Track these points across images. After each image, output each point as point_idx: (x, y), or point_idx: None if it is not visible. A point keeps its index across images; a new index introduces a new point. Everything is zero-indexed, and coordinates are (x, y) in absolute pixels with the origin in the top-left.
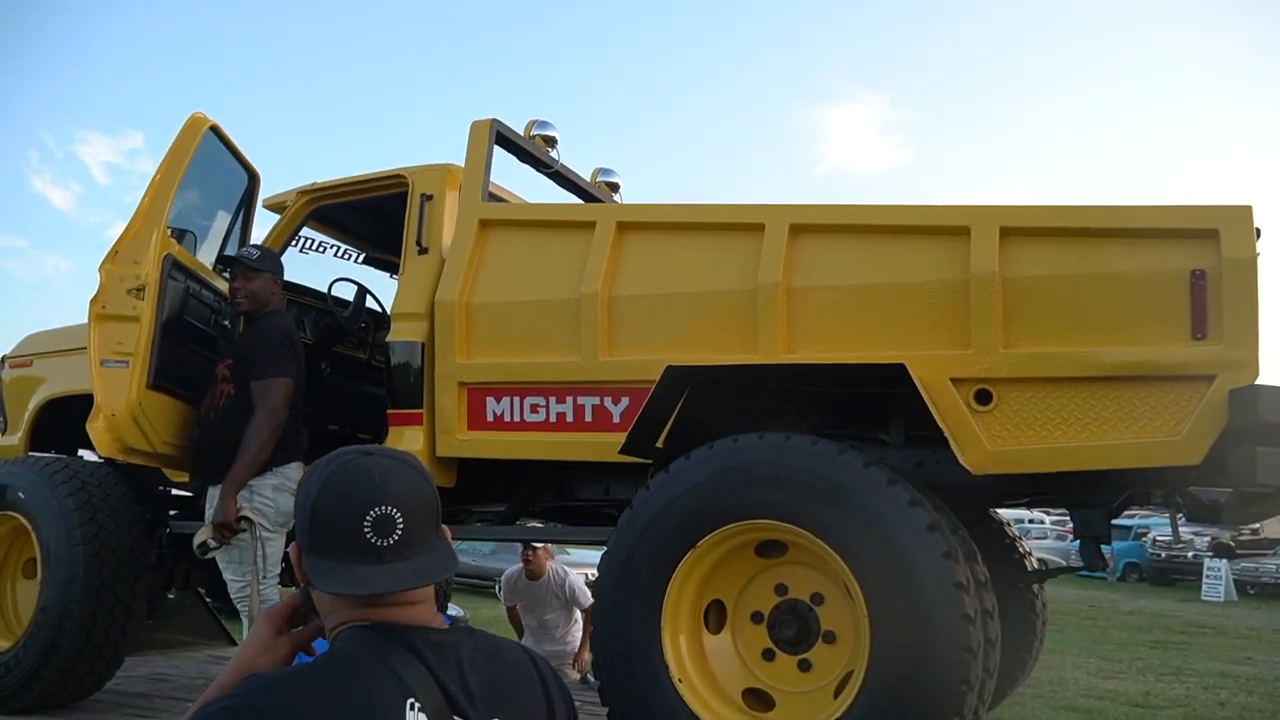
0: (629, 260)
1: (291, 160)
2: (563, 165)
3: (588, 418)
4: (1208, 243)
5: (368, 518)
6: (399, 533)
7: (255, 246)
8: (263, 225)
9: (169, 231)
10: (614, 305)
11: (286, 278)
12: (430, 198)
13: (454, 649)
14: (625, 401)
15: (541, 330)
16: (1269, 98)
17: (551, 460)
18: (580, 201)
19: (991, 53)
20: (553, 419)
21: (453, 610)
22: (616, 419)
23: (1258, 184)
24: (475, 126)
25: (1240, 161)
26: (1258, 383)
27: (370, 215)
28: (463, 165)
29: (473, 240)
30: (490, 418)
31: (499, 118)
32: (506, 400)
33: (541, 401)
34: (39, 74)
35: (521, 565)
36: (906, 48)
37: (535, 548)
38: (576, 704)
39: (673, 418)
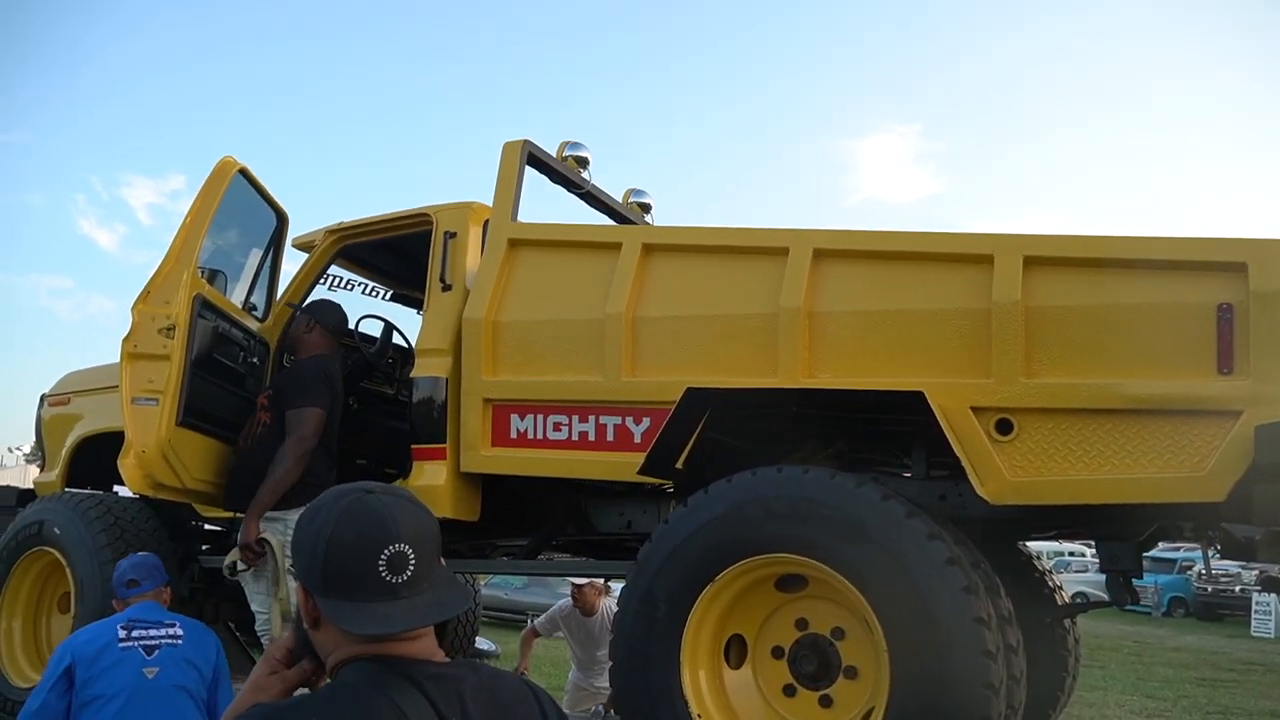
0: (654, 281)
1: (325, 194)
2: (594, 186)
3: (609, 437)
4: (1235, 275)
5: (382, 556)
6: (411, 569)
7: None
8: (292, 264)
9: (199, 272)
10: (638, 326)
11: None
12: (454, 235)
13: (455, 681)
14: (647, 422)
15: (566, 349)
16: None
17: (572, 484)
18: (612, 222)
19: (1023, 80)
20: (575, 437)
21: (483, 644)
22: (638, 439)
23: None
24: (507, 147)
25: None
26: None
27: (396, 253)
28: (485, 202)
29: (501, 259)
30: (514, 435)
31: (531, 139)
32: (530, 418)
33: (564, 420)
34: (90, 119)
35: (570, 590)
36: (937, 78)
37: (581, 584)
38: None
39: (693, 439)
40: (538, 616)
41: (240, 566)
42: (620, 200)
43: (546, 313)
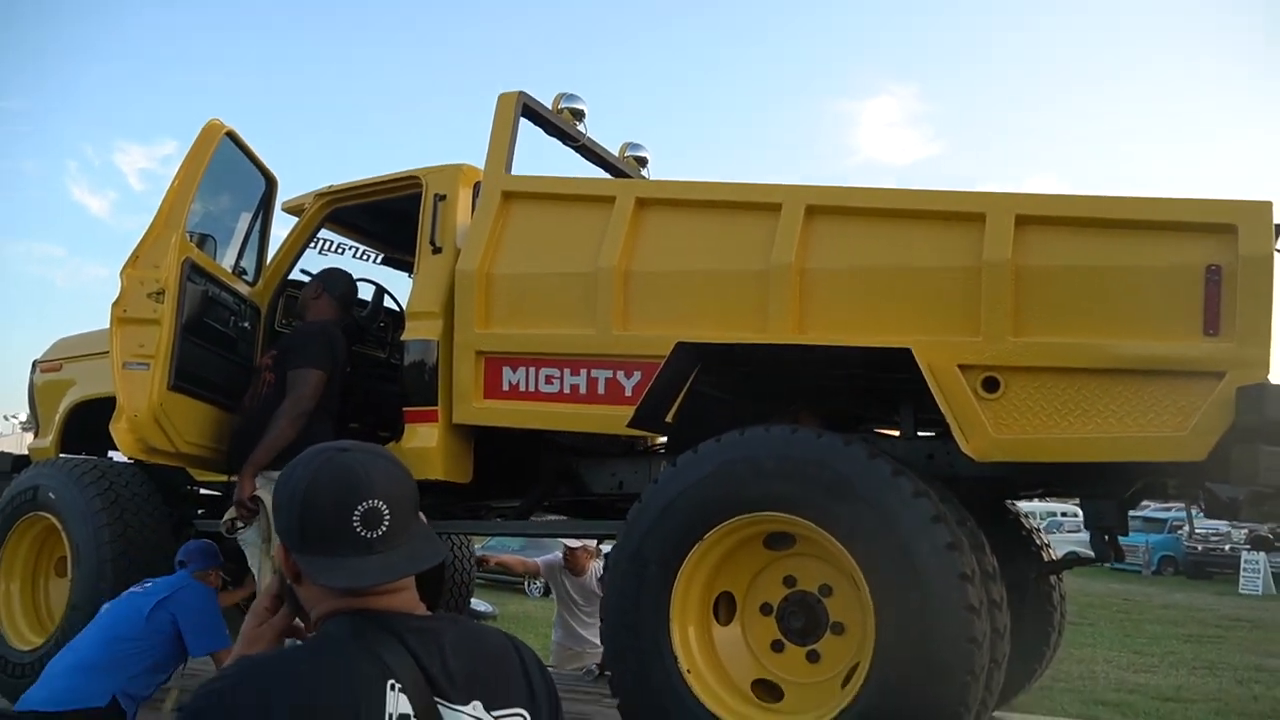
0: (647, 236)
1: (315, 159)
2: (590, 139)
3: (601, 390)
4: (1225, 238)
5: (356, 511)
6: (386, 524)
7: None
8: (282, 227)
9: (188, 236)
10: (630, 280)
11: (302, 278)
12: (444, 197)
13: (436, 634)
14: (637, 376)
15: (559, 302)
16: None
17: (565, 445)
18: (607, 176)
19: (1020, 43)
20: (566, 390)
21: (479, 605)
22: (629, 393)
23: None
24: (502, 98)
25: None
26: (1267, 381)
27: (387, 216)
28: (474, 165)
29: (495, 212)
30: (506, 387)
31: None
32: (522, 370)
33: (556, 373)
34: (82, 86)
35: (563, 551)
36: (933, 40)
37: (574, 547)
38: (604, 698)
39: (683, 393)
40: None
41: (239, 525)
42: (616, 154)
43: (539, 266)
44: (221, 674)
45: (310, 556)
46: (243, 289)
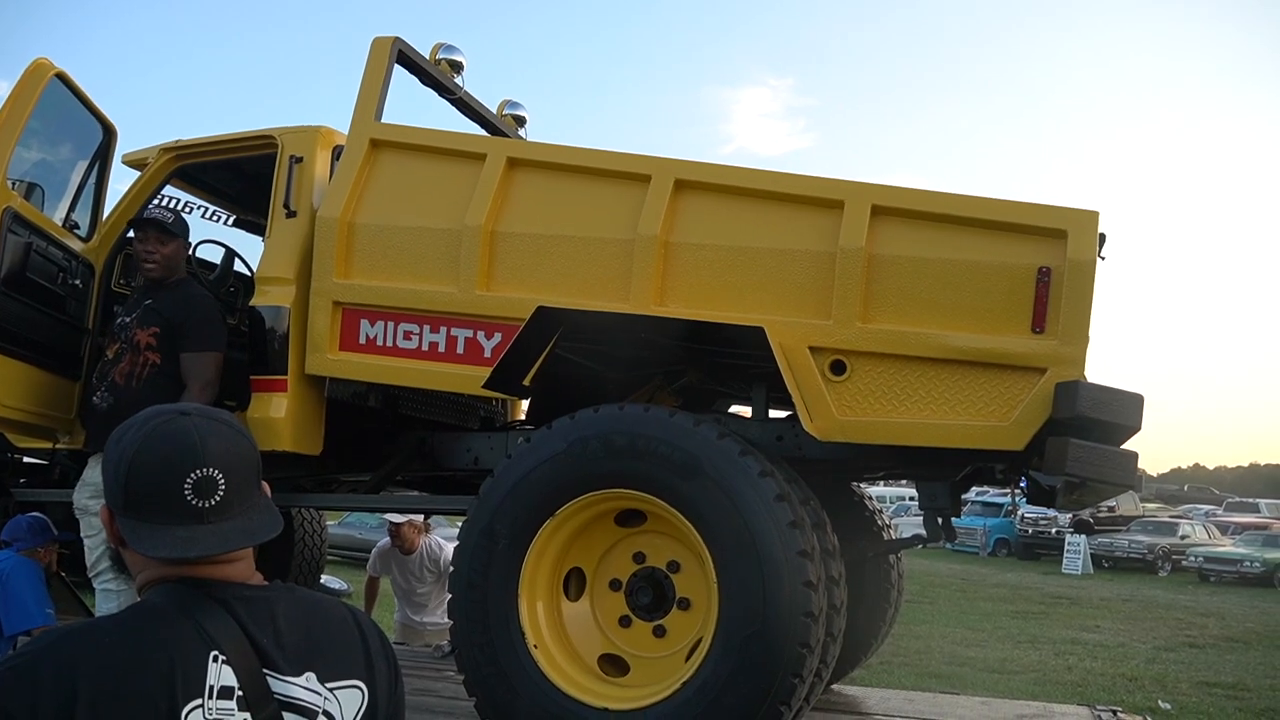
0: (516, 197)
1: (164, 112)
2: (467, 93)
3: (459, 349)
4: (1056, 242)
5: (189, 479)
6: (220, 494)
7: (168, 209)
8: (121, 183)
9: (10, 184)
10: (496, 240)
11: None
12: (300, 160)
13: (268, 603)
14: (498, 337)
15: (422, 257)
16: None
17: (419, 415)
18: (483, 132)
19: (896, 42)
20: (425, 347)
21: (332, 582)
22: (487, 354)
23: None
24: (377, 42)
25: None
26: (1082, 379)
27: (240, 175)
28: (334, 128)
29: (362, 159)
30: (363, 340)
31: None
32: (380, 324)
33: (415, 329)
34: None
35: (388, 528)
36: (812, 34)
37: (399, 523)
38: (449, 674)
39: (541, 358)
40: None
41: (95, 507)
42: (495, 111)
43: (404, 219)
44: (25, 647)
45: (135, 522)
46: (75, 244)
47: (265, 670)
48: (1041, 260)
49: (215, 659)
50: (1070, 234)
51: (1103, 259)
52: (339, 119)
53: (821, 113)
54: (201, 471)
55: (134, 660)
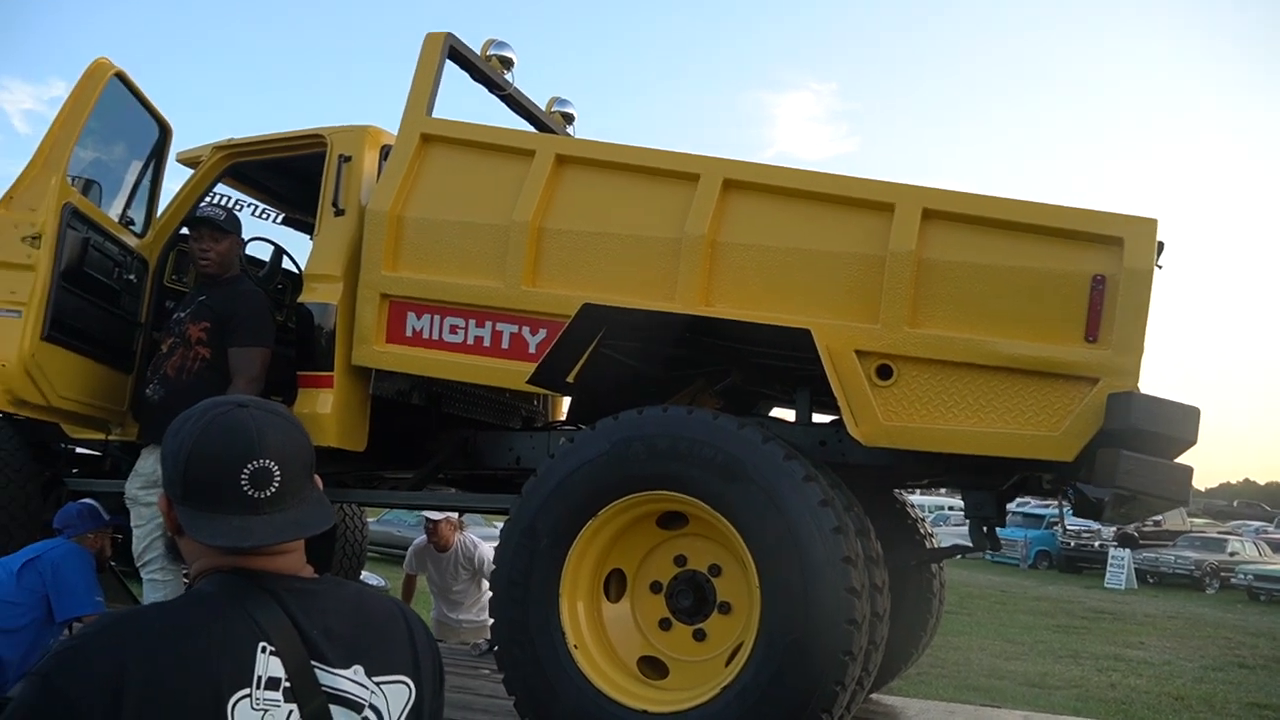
0: (564, 194)
1: (217, 111)
2: (516, 89)
3: (504, 344)
4: (1112, 250)
5: (245, 470)
6: (276, 485)
7: (220, 207)
8: (176, 180)
9: (70, 180)
10: (543, 236)
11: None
12: (349, 159)
13: (319, 597)
14: (543, 333)
15: (469, 252)
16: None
17: (462, 418)
18: (531, 129)
19: (939, 47)
20: (470, 341)
21: (370, 579)
22: (532, 349)
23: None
24: (429, 38)
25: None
26: (1135, 390)
27: (289, 174)
28: (382, 127)
29: (412, 153)
30: (409, 333)
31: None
32: (427, 318)
33: (461, 323)
34: None
35: (424, 524)
36: (855, 38)
37: (436, 520)
38: (486, 672)
39: (586, 355)
40: None
41: (145, 497)
42: (544, 108)
43: (453, 213)
44: (79, 632)
45: (192, 511)
46: (130, 240)
47: (314, 662)
48: (1096, 268)
49: (264, 650)
50: (1127, 242)
51: (1160, 268)
52: (377, 116)
53: (865, 117)
54: (258, 463)
55: (183, 648)
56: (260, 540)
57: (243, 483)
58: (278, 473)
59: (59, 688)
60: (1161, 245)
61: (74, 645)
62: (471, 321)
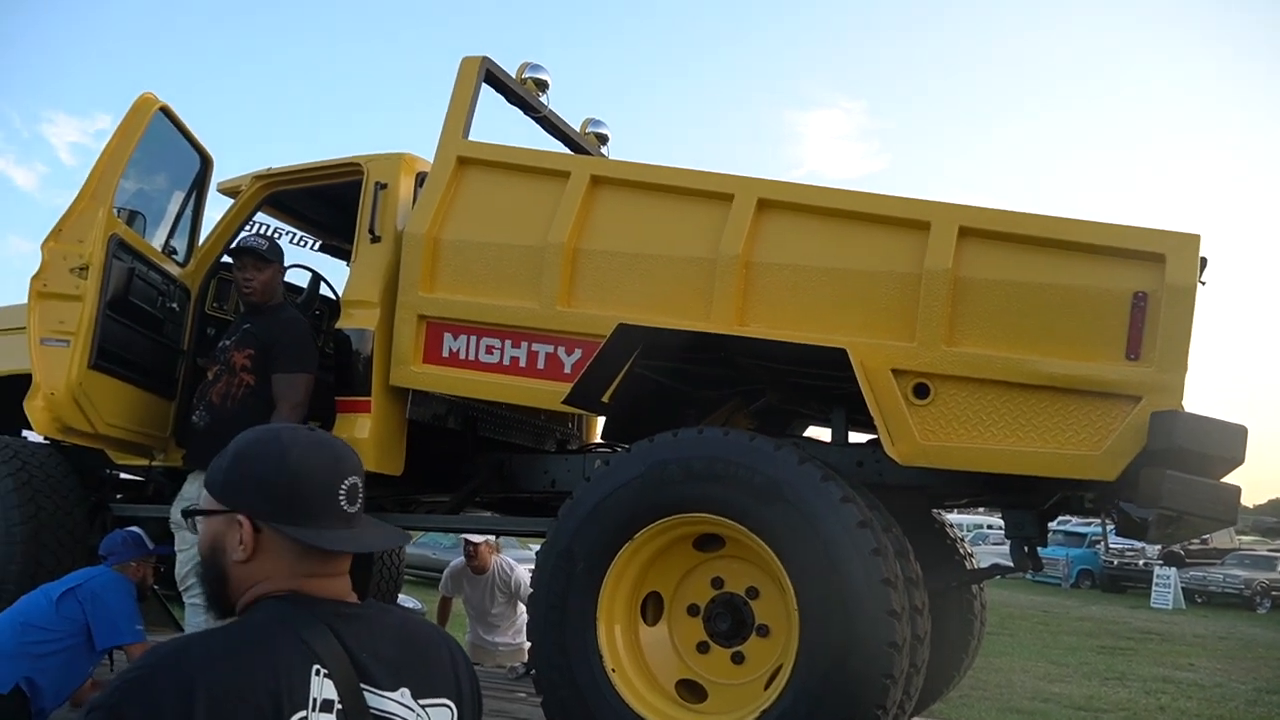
0: (599, 215)
1: (255, 139)
2: (551, 111)
3: (540, 365)
4: (1154, 266)
5: (343, 486)
6: (360, 501)
7: (263, 237)
8: (216, 209)
9: (116, 212)
10: (578, 257)
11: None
12: (385, 186)
13: (367, 621)
14: (578, 353)
15: (505, 273)
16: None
17: (498, 437)
18: (566, 150)
19: (969, 64)
20: (506, 362)
21: (407, 602)
22: (568, 369)
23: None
24: (465, 62)
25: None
26: (1179, 409)
27: (327, 202)
28: (417, 155)
29: (449, 176)
30: (446, 353)
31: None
32: (464, 338)
33: (497, 344)
34: (7, 53)
35: (464, 547)
36: (884, 56)
37: (476, 542)
38: (523, 695)
39: (621, 375)
40: None
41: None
42: (578, 129)
43: (488, 235)
44: (140, 661)
45: (292, 527)
46: (173, 269)
47: (363, 685)
48: (1137, 285)
49: (318, 672)
50: (1169, 258)
51: (1203, 284)
52: (406, 142)
53: (895, 134)
54: (351, 480)
55: (246, 671)
56: (368, 547)
57: (340, 497)
58: (361, 490)
59: (126, 717)
60: (1205, 261)
61: (140, 674)
62: (507, 342)
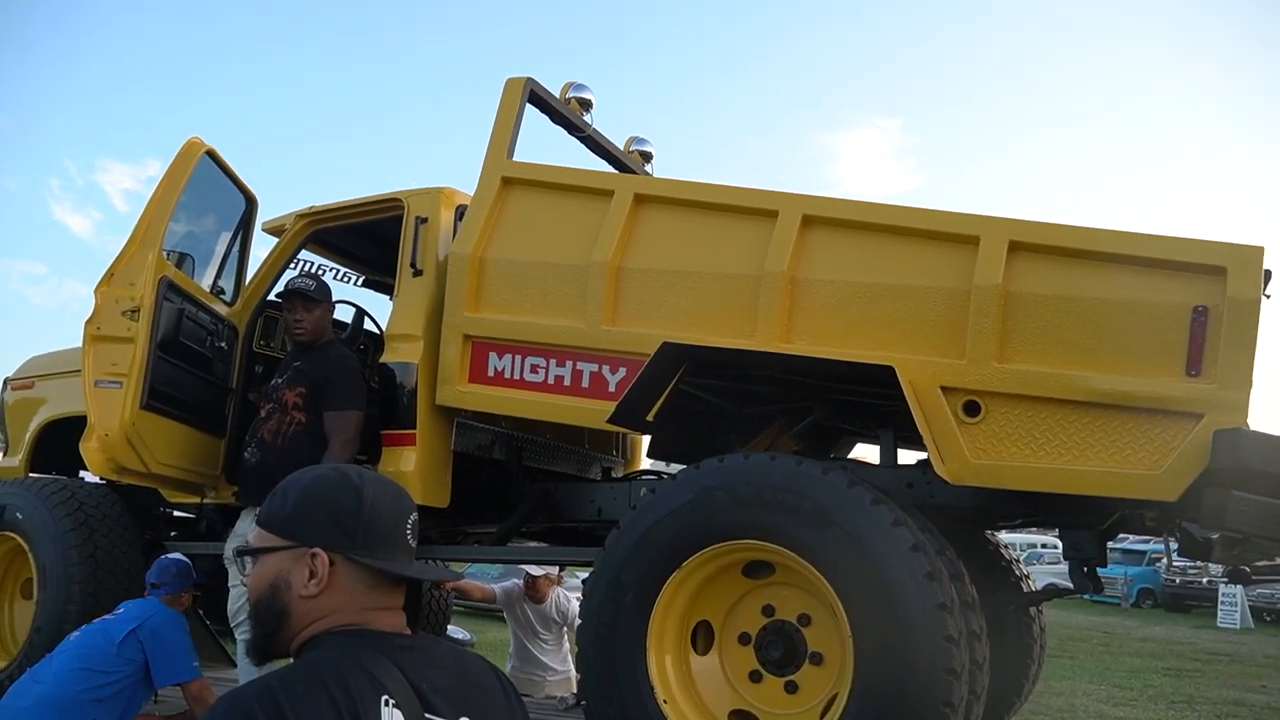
0: (643, 232)
1: (299, 177)
2: (595, 130)
3: (585, 384)
4: (1214, 280)
5: (409, 521)
6: (418, 535)
7: (310, 276)
8: (261, 248)
9: (165, 254)
10: (623, 276)
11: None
12: (425, 220)
13: (424, 653)
14: (623, 372)
15: (550, 292)
16: None
17: (543, 471)
18: (611, 169)
19: (1004, 78)
20: (551, 381)
21: (457, 633)
22: (612, 388)
23: None
24: (510, 83)
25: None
26: (1244, 427)
27: (367, 238)
28: (456, 188)
29: (494, 196)
30: (491, 373)
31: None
32: (509, 358)
33: (542, 363)
34: (64, 104)
35: (524, 579)
36: (917, 73)
37: (536, 575)
38: None
39: (665, 393)
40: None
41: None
42: (622, 148)
43: (533, 254)
44: (235, 693)
45: (371, 559)
46: (221, 309)
47: (427, 714)
48: (1197, 299)
49: (387, 703)
50: (1230, 271)
51: (1268, 297)
52: (436, 177)
53: (931, 151)
54: (414, 516)
55: (328, 702)
56: (435, 577)
57: (407, 532)
58: (418, 525)
59: None
60: (1269, 274)
61: (238, 706)
62: (552, 361)
